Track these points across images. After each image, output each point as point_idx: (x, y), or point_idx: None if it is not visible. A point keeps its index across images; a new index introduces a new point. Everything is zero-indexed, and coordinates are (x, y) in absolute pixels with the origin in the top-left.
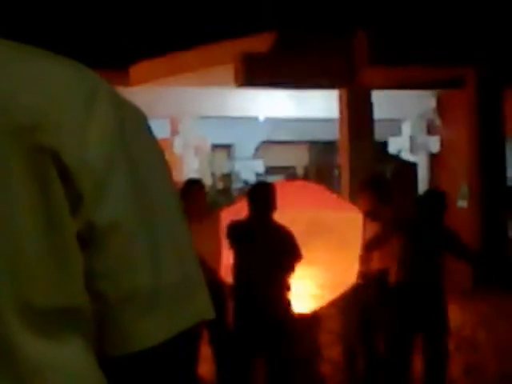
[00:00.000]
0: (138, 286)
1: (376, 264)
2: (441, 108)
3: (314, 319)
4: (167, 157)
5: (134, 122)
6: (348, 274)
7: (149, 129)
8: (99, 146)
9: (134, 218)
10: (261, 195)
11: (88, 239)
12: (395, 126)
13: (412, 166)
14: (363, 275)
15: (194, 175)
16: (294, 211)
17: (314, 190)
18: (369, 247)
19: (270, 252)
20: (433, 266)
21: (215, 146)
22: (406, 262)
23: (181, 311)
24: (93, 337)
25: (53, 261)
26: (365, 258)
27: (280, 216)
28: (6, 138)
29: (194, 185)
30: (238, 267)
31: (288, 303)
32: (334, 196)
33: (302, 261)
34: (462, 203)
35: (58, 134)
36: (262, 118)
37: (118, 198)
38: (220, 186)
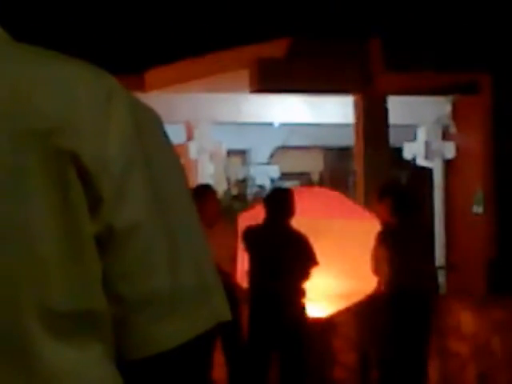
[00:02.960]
0: (157, 289)
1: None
2: (456, 114)
3: (328, 325)
4: (183, 162)
5: (150, 124)
6: (365, 281)
7: (163, 131)
8: (118, 147)
9: (152, 221)
10: (278, 200)
11: (107, 242)
12: (410, 132)
13: (427, 172)
14: (380, 284)
15: (209, 180)
16: (310, 218)
17: (332, 196)
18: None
19: (285, 257)
20: (418, 271)
21: (230, 152)
22: (398, 269)
23: (198, 314)
24: (112, 341)
25: (71, 264)
26: (378, 267)
27: (297, 222)
28: (25, 141)
29: (205, 190)
30: (254, 272)
31: (303, 308)
32: (352, 203)
33: (319, 267)
34: (478, 209)
35: (77, 136)
36: (276, 123)
37: (137, 200)
38: (235, 191)
